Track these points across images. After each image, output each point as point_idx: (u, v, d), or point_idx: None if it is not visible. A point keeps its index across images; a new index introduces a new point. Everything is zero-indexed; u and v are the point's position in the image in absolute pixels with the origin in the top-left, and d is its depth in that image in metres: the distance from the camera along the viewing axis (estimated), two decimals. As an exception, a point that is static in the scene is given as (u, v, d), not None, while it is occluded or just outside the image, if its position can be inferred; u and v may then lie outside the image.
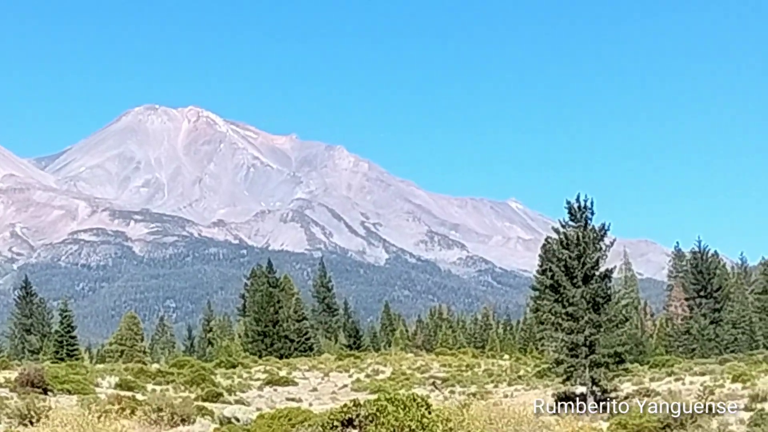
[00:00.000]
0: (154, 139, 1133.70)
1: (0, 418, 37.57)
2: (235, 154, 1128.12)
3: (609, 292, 57.19)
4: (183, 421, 39.78)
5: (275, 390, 72.87)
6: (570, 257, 55.94)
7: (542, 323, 65.26)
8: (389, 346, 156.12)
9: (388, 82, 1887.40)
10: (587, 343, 54.61)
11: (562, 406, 48.33)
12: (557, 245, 58.54)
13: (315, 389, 76.13)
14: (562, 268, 56.42)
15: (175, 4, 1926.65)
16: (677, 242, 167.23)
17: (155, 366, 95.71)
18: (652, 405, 40.04)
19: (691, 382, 64.35)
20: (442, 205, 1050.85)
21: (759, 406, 44.91)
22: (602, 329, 55.36)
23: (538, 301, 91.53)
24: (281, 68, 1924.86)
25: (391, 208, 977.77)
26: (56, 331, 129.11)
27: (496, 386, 75.72)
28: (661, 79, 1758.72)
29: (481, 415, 31.30)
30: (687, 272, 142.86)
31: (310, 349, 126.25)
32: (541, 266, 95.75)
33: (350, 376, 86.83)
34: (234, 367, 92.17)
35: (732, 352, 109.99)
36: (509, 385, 76.96)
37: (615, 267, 64.40)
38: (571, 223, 57.07)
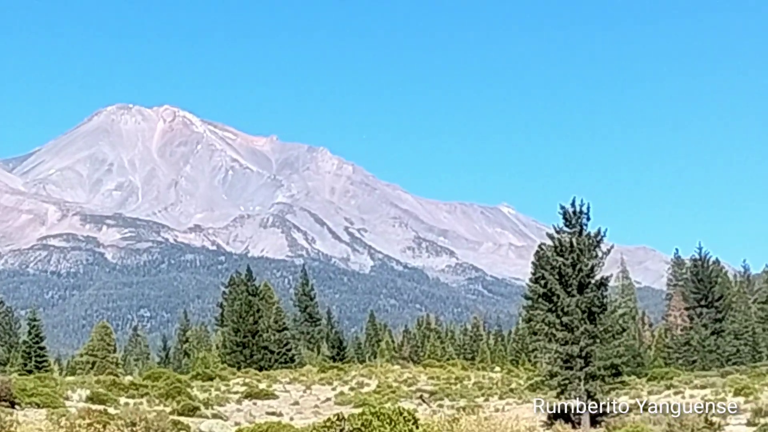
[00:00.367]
0: (127, 140, 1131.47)
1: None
2: (212, 156, 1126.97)
3: (605, 301, 57.23)
4: (157, 436, 39.69)
5: (255, 403, 72.73)
6: (564, 264, 55.96)
7: (535, 334, 65.39)
8: (374, 357, 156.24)
9: (373, 81, 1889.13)
10: (582, 354, 54.64)
11: (556, 420, 48.37)
12: (551, 252, 58.55)
13: (296, 403, 76.00)
14: (556, 276, 56.44)
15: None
16: (677, 249, 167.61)
17: (128, 378, 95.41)
18: (650, 420, 40.12)
19: (692, 396, 64.56)
20: (430, 210, 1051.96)
21: (762, 420, 45.01)
22: (598, 340, 55.40)
23: (531, 311, 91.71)
24: (261, 66, 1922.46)
25: (377, 213, 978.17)
26: (24, 342, 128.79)
27: (486, 400, 75.71)
28: (659, 79, 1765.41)
29: (471, 430, 31.29)
30: (687, 280, 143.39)
31: (292, 360, 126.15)
32: (534, 274, 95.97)
33: (334, 389, 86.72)
34: (211, 379, 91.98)
35: (734, 364, 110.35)
36: (500, 398, 77.00)
37: (612, 275, 64.60)
38: (565, 228, 57.09)
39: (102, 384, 73.64)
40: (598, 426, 50.39)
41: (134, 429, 38.99)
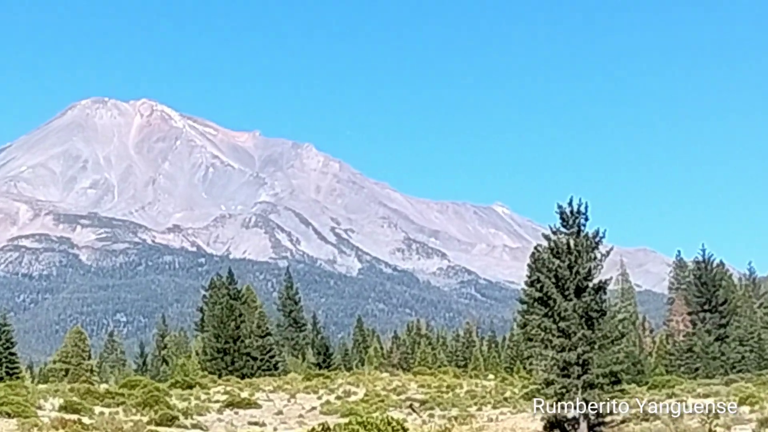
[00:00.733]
0: (102, 135, 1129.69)
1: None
2: (192, 153, 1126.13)
3: (604, 305, 57.22)
4: (134, 447, 39.70)
5: (236, 413, 72.71)
6: (561, 267, 55.95)
7: (530, 340, 65.44)
8: (362, 364, 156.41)
9: (360, 74, 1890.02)
10: (580, 361, 54.67)
11: (552, 431, 48.42)
12: (547, 254, 58.52)
13: (280, 412, 75.97)
14: (553, 279, 56.43)
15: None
16: (679, 251, 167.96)
17: (104, 386, 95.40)
18: (650, 429, 40.21)
19: (695, 405, 64.65)
20: (420, 209, 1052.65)
21: (768, 431, 45.16)
22: (596, 346, 55.42)
23: (526, 316, 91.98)
24: (243, 58, 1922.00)
25: (365, 213, 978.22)
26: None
27: (479, 409, 75.74)
28: (659, 77, 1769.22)
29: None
30: (690, 284, 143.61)
31: (275, 367, 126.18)
32: (529, 277, 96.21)
33: (319, 398, 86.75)
34: (191, 387, 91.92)
35: (739, 371, 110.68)
36: (494, 407, 76.99)
37: (611, 278, 64.51)
38: (562, 229, 57.06)
39: (76, 392, 73.57)
40: (596, 436, 50.43)
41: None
